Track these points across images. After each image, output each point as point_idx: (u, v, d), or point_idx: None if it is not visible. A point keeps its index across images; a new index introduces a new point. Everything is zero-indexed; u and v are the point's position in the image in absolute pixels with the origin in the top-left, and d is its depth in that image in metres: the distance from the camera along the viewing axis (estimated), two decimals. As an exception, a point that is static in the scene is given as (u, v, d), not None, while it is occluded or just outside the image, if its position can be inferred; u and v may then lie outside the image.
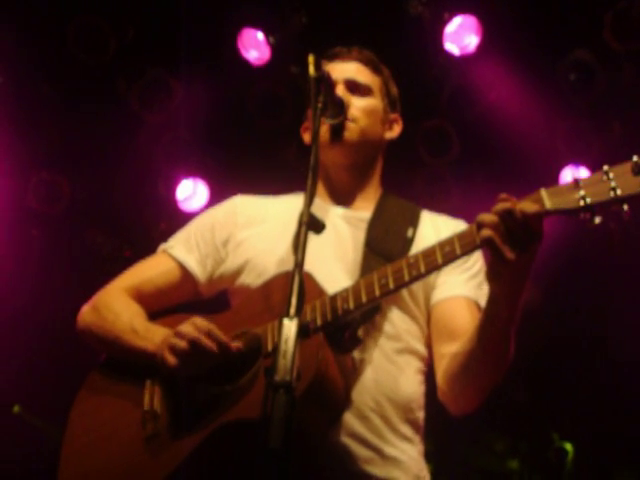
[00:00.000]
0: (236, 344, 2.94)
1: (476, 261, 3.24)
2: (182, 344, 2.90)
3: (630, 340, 6.29)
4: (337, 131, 3.29)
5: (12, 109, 6.39)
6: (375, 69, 3.52)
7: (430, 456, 6.57)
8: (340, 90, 3.34)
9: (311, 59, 2.95)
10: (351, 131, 3.32)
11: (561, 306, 6.76)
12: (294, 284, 2.39)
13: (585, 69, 6.21)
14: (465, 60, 6.34)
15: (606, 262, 6.35)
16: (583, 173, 6.30)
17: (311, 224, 2.59)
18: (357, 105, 3.36)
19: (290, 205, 3.33)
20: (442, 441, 6.74)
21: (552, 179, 6.30)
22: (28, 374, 6.54)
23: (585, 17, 6.05)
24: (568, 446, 7.00)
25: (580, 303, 6.65)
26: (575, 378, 6.83)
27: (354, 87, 3.41)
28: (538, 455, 7.13)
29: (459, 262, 3.09)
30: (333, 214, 3.34)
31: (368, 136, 3.38)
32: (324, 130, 3.26)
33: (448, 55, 6.33)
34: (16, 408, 6.71)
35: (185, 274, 3.38)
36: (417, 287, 3.18)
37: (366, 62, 3.50)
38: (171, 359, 2.91)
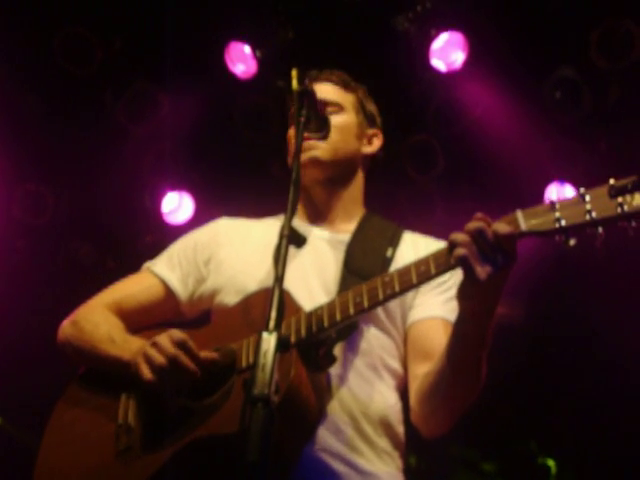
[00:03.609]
0: (211, 355, 2.92)
1: (454, 283, 3.19)
2: (159, 359, 2.87)
3: (615, 356, 6.29)
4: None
5: (-3, 120, 6.39)
6: (346, 87, 3.54)
7: (416, 475, 6.59)
8: None
9: (294, 73, 2.97)
10: (323, 150, 3.36)
11: (544, 322, 6.77)
12: (274, 298, 2.39)
13: (571, 87, 6.23)
14: (451, 76, 6.36)
15: (588, 278, 6.35)
16: (568, 190, 6.32)
17: (292, 238, 2.59)
18: None
19: (273, 228, 3.25)
20: (428, 460, 6.74)
21: (537, 196, 6.32)
22: (9, 386, 6.50)
23: (571, 35, 6.07)
24: (550, 462, 7.01)
25: (564, 318, 6.65)
26: (556, 395, 6.84)
27: (323, 106, 3.38)
28: (521, 473, 7.12)
29: (437, 283, 3.12)
30: (314, 235, 3.34)
31: (340, 152, 3.41)
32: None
33: (434, 71, 6.35)
34: (-1, 421, 6.69)
35: (167, 291, 3.39)
36: (394, 306, 3.17)
37: (336, 82, 3.53)
38: (147, 374, 2.88)
